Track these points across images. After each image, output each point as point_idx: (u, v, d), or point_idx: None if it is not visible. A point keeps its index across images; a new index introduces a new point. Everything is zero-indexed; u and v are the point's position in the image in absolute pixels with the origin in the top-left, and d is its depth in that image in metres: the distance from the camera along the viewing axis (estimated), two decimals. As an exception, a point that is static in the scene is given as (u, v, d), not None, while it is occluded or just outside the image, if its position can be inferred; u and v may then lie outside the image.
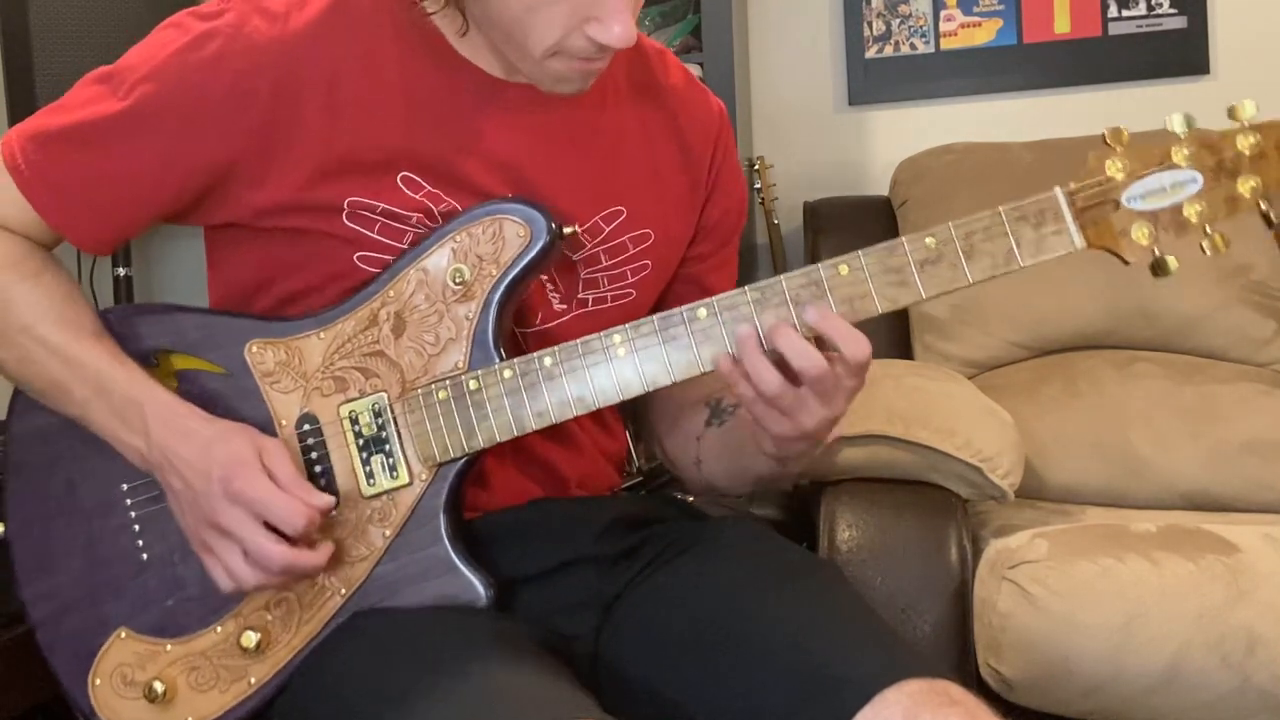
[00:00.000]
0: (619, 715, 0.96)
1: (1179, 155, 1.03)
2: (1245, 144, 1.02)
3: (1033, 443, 1.91)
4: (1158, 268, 1.03)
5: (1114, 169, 1.03)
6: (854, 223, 2.47)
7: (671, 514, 1.27)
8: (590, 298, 1.20)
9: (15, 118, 2.12)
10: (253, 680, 1.10)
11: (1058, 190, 1.03)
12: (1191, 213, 1.03)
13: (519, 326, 1.16)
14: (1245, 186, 1.02)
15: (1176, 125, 1.03)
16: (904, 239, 1.04)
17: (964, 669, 1.60)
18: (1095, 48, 2.64)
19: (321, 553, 1.06)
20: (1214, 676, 1.53)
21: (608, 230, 1.19)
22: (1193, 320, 2.17)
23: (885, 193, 2.52)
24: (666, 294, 1.28)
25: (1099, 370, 2.12)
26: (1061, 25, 2.65)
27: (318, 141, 1.10)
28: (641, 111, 1.23)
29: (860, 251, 1.04)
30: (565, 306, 1.19)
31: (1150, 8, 2.62)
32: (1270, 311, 2.19)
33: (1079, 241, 1.03)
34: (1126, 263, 1.04)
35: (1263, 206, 1.03)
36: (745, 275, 2.72)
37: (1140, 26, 2.63)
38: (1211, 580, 1.56)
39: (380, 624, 1.08)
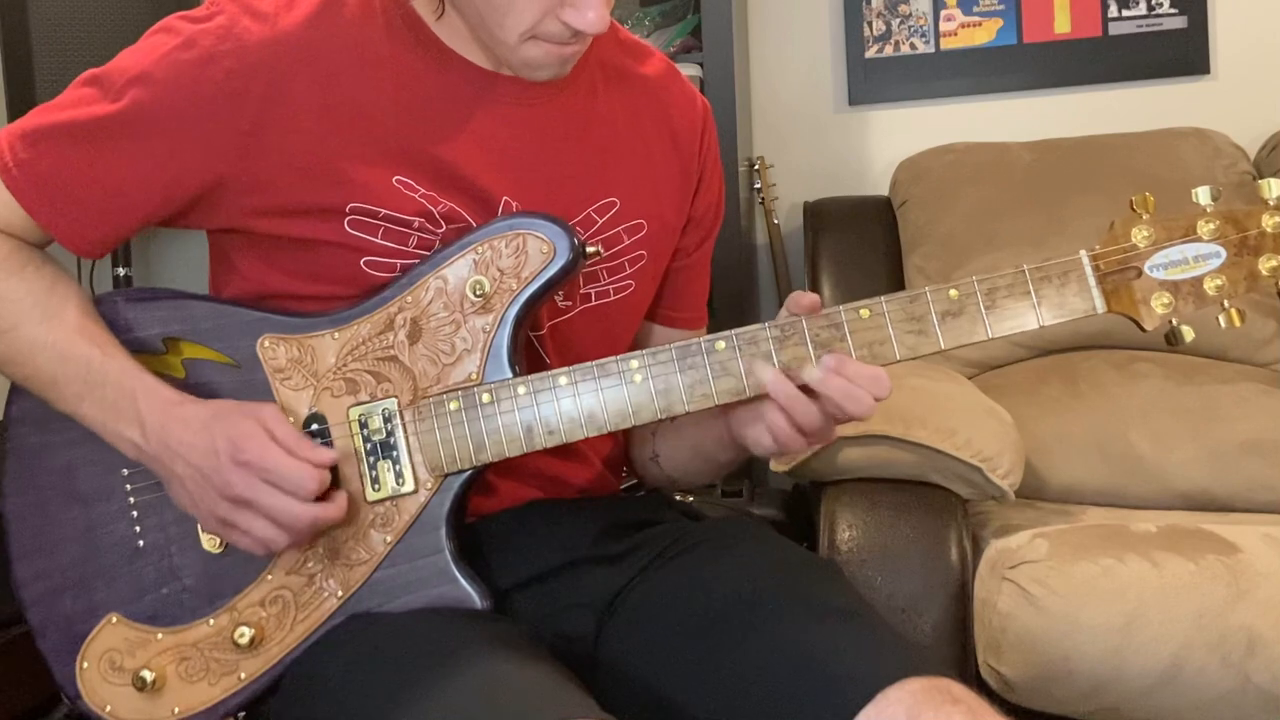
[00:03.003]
0: (619, 715, 0.96)
1: (1204, 228, 1.04)
2: (1270, 223, 1.04)
3: (1033, 443, 1.91)
4: (1172, 337, 1.06)
5: (1139, 236, 1.05)
6: (854, 223, 2.47)
7: (670, 514, 1.27)
8: (593, 292, 1.20)
9: (15, 118, 2.12)
10: (243, 675, 1.10)
11: (1083, 254, 1.05)
12: (1211, 287, 1.05)
13: (530, 331, 1.16)
14: (1266, 266, 1.04)
15: (1202, 198, 1.04)
16: (927, 289, 1.06)
17: (964, 669, 1.60)
18: (1095, 48, 2.64)
19: (340, 502, 1.06)
20: (1214, 676, 1.53)
21: (601, 222, 1.19)
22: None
23: (885, 193, 2.52)
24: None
25: (1099, 370, 2.12)
26: (1061, 25, 2.65)
27: (312, 142, 1.09)
28: (630, 102, 1.24)
29: (883, 297, 1.06)
30: (570, 304, 1.19)
31: (1150, 8, 2.62)
32: (1270, 311, 2.19)
33: (1100, 305, 1.05)
34: (1144, 330, 1.06)
35: None
36: (745, 275, 2.72)
37: (1140, 26, 2.63)
38: (1211, 580, 1.56)
39: (378, 625, 1.08)
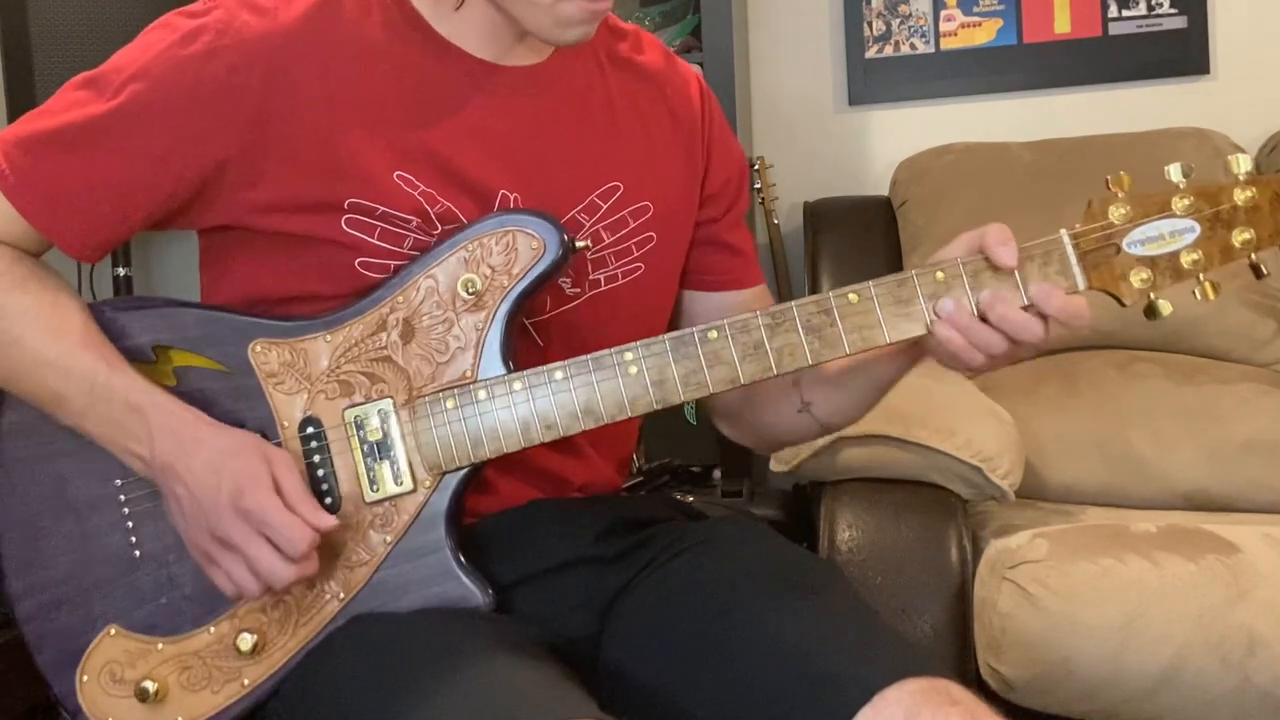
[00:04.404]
0: (619, 715, 0.96)
1: (1178, 204, 1.07)
2: (1241, 197, 1.06)
3: (1033, 443, 1.91)
4: (1151, 311, 1.08)
5: (1116, 214, 1.07)
6: (854, 223, 2.48)
7: (670, 514, 1.27)
8: (602, 278, 1.19)
9: (15, 118, 2.12)
10: (246, 682, 1.09)
11: (1063, 233, 1.07)
12: (1187, 260, 1.07)
13: (531, 317, 1.16)
14: (1239, 239, 1.06)
15: (1174, 175, 1.07)
16: (914, 272, 1.07)
17: (964, 669, 1.60)
18: (1095, 48, 2.64)
19: (315, 561, 1.06)
20: (1214, 676, 1.53)
21: (605, 207, 1.19)
22: (1193, 320, 2.17)
23: (885, 193, 2.52)
24: (688, 263, 1.28)
25: (1099, 370, 2.12)
26: (1061, 25, 2.65)
27: (313, 136, 1.09)
28: (628, 87, 1.24)
29: (871, 282, 1.07)
30: (579, 290, 1.18)
31: (1150, 8, 2.62)
32: (1270, 311, 2.20)
33: (1081, 282, 1.07)
34: (1124, 305, 1.08)
35: (1253, 258, 1.07)
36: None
37: (1140, 26, 2.63)
38: (1211, 580, 1.56)
39: (379, 626, 1.08)
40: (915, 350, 1.13)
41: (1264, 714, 1.54)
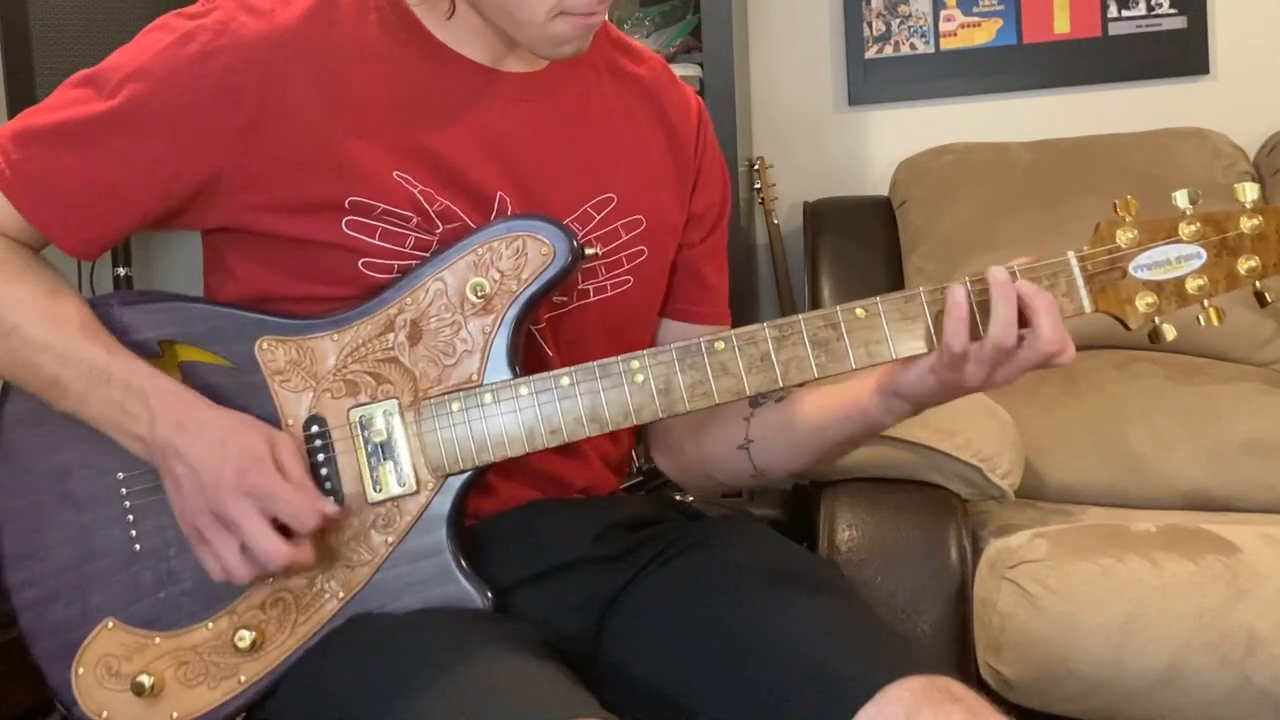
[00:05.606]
0: (620, 715, 0.96)
1: (1185, 230, 1.08)
2: (1248, 225, 1.07)
3: (1033, 443, 1.91)
4: (1154, 335, 1.09)
5: (1123, 238, 1.08)
6: (854, 223, 2.47)
7: (670, 514, 1.27)
8: (590, 288, 1.20)
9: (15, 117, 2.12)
10: (243, 678, 1.10)
11: (1071, 255, 1.08)
12: (1193, 286, 1.08)
13: (531, 325, 1.16)
14: (1244, 266, 1.08)
15: (1181, 201, 1.07)
16: (922, 289, 1.08)
17: (964, 669, 1.60)
18: (1095, 48, 2.64)
19: (309, 549, 1.06)
20: (1214, 676, 1.53)
21: (598, 217, 1.19)
22: (1192, 320, 2.16)
23: (885, 193, 2.52)
24: (667, 288, 1.28)
25: (1099, 370, 2.12)
26: (1061, 25, 2.65)
27: (311, 137, 1.09)
28: (626, 99, 1.24)
29: (879, 297, 1.08)
30: (566, 299, 1.19)
31: (1150, 8, 2.62)
32: (1270, 311, 2.19)
33: (1088, 305, 1.08)
34: (1128, 328, 1.10)
35: (1257, 286, 1.08)
36: (745, 275, 2.72)
37: (1140, 26, 2.63)
38: (1211, 580, 1.56)
39: (379, 625, 1.08)
40: (876, 419, 1.14)
41: (1264, 714, 1.54)
